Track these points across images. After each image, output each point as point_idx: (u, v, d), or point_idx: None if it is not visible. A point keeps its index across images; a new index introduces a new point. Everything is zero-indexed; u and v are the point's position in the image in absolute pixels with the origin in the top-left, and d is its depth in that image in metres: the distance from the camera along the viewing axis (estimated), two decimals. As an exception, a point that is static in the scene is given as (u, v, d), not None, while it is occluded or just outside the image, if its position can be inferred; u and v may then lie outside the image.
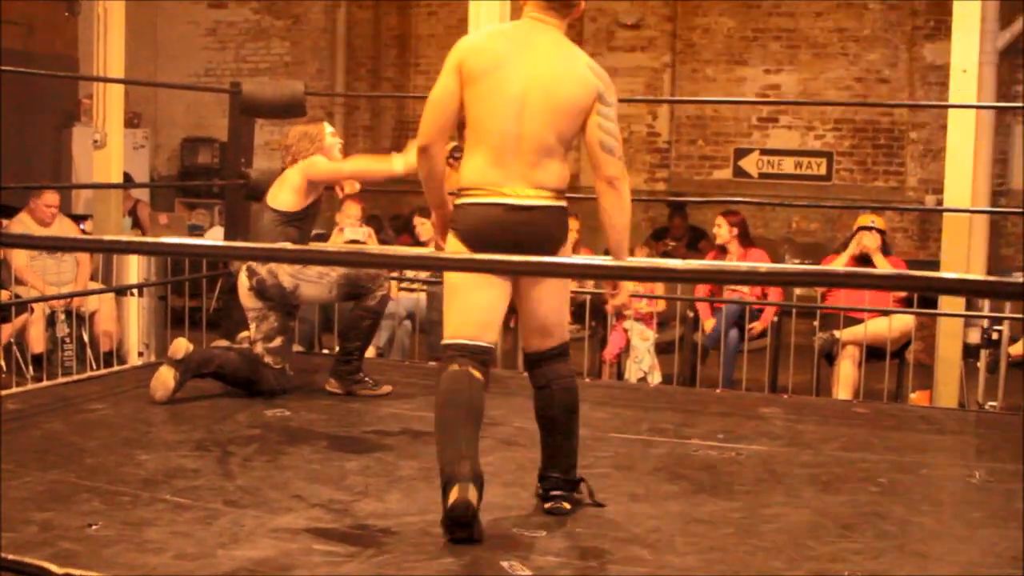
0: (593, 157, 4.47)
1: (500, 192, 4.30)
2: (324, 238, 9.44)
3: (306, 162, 6.21)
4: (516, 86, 4.28)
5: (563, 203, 4.43)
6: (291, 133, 6.44)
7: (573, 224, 8.96)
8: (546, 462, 4.57)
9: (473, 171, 4.36)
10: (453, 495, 4.00)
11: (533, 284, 4.41)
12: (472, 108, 4.34)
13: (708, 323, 8.55)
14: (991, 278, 2.24)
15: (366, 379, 6.38)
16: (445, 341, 4.36)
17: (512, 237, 4.26)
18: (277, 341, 6.23)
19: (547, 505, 4.47)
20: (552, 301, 4.48)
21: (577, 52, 4.44)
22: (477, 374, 4.29)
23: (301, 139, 6.34)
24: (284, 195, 6.25)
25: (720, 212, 9.01)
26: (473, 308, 4.35)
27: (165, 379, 5.98)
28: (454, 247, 4.38)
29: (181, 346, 6.04)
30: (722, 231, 8.72)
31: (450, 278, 4.43)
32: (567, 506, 4.45)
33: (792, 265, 9.50)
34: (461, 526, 4.03)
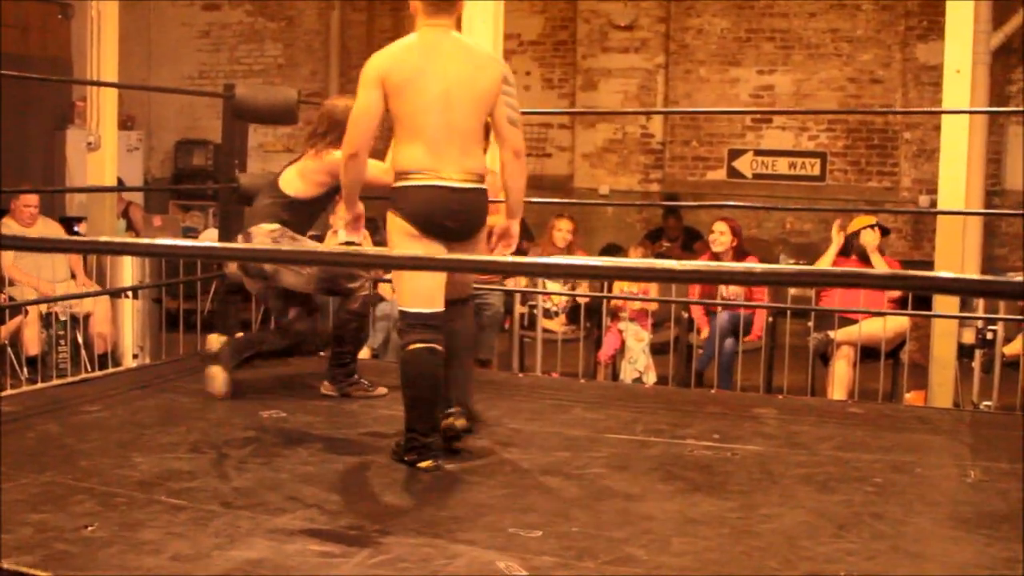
0: (501, 131, 5.16)
1: (440, 176, 4.93)
2: (319, 239, 9.43)
3: (331, 157, 6.09)
4: (440, 85, 4.91)
5: (485, 187, 5.12)
6: (323, 110, 6.23)
7: (567, 225, 8.98)
8: (444, 393, 5.14)
9: (412, 159, 4.94)
10: (427, 464, 4.86)
11: (464, 253, 5.01)
12: (402, 110, 4.93)
13: (704, 332, 8.56)
14: (989, 277, 2.25)
15: (361, 381, 6.37)
16: (402, 309, 5.00)
17: (452, 216, 4.97)
18: (291, 313, 6.24)
19: (444, 423, 5.08)
20: (471, 277, 5.39)
21: (474, 42, 5.24)
22: (437, 347, 4.98)
23: (326, 119, 6.12)
24: (294, 179, 6.18)
25: (720, 217, 8.97)
26: (423, 281, 4.97)
27: (216, 375, 6.09)
28: (398, 226, 4.98)
29: (215, 341, 6.20)
30: (724, 238, 8.69)
31: (394, 245, 5.01)
32: (458, 425, 5.11)
33: (788, 266, 9.52)
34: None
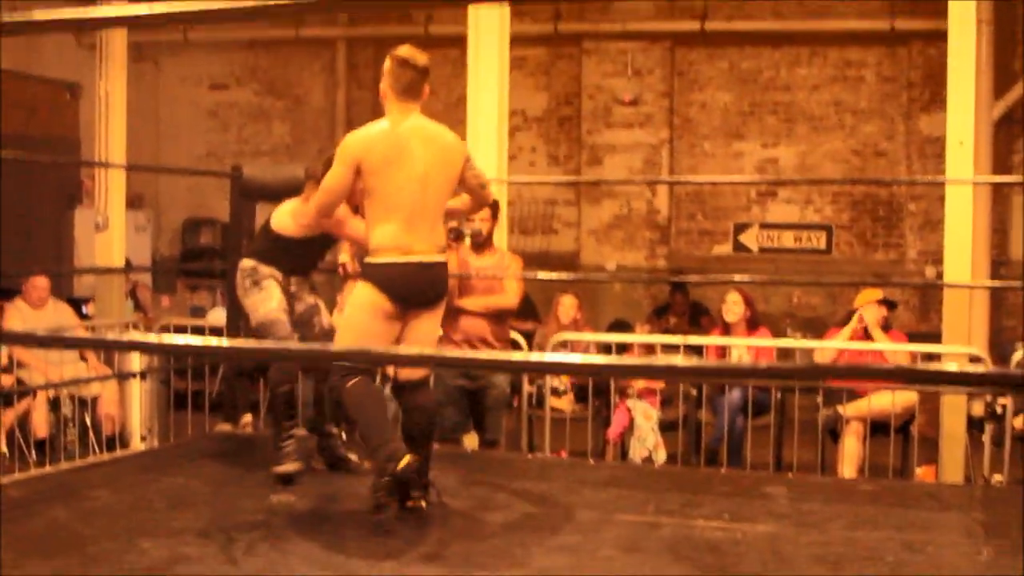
0: (475, 195, 5.76)
1: (412, 251, 5.36)
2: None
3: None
4: (418, 167, 5.32)
5: (445, 260, 5.57)
6: (327, 156, 6.35)
7: (571, 301, 8.98)
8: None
9: (387, 236, 5.35)
10: (404, 461, 5.13)
11: (417, 326, 5.49)
12: (380, 188, 5.32)
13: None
14: (991, 370, 2.25)
15: (348, 455, 6.40)
16: (344, 363, 5.40)
17: (420, 288, 5.43)
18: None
19: (409, 503, 5.41)
20: (434, 338, 5.70)
21: (439, 125, 5.55)
22: (374, 381, 5.64)
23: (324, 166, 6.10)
24: (285, 216, 6.26)
25: (734, 288, 8.95)
26: (370, 337, 5.34)
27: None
28: (368, 295, 5.38)
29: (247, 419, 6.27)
30: (737, 308, 8.68)
31: (357, 323, 5.42)
32: (424, 504, 5.45)
33: (795, 342, 9.51)
34: (405, 483, 5.25)
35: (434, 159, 5.38)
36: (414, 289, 5.41)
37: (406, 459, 5.14)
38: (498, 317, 7.46)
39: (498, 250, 7.59)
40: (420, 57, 5.52)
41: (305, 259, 6.37)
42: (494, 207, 7.44)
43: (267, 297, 6.19)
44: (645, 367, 2.74)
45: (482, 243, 7.40)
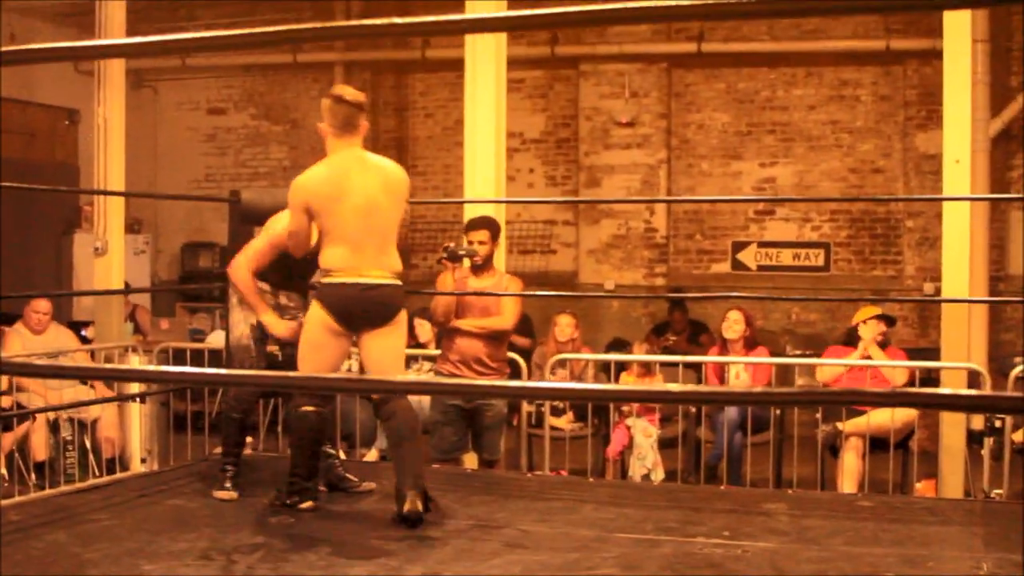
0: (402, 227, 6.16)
1: (359, 273, 5.69)
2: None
3: (278, 226, 6.34)
4: (359, 199, 5.67)
5: (400, 282, 5.88)
6: None
7: (568, 320, 8.99)
8: (400, 477, 5.72)
9: (337, 258, 5.70)
10: (306, 504, 5.79)
11: (370, 343, 5.85)
12: (329, 221, 5.69)
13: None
14: (987, 393, 2.26)
15: (348, 475, 6.43)
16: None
17: (365, 308, 5.74)
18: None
19: (406, 509, 5.59)
20: (393, 354, 5.93)
21: (380, 157, 6.05)
22: (323, 411, 5.98)
23: None
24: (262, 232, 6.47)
25: (735, 306, 8.97)
26: (325, 362, 5.79)
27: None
28: (319, 315, 5.75)
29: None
30: (738, 326, 8.70)
31: (311, 339, 5.80)
32: (420, 507, 5.62)
33: (793, 360, 9.53)
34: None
35: (377, 188, 5.75)
36: (356, 309, 5.75)
37: (309, 503, 5.85)
38: (495, 338, 7.45)
39: (497, 272, 7.60)
40: (354, 93, 5.92)
41: (292, 272, 6.44)
42: (494, 229, 7.46)
43: (243, 319, 6.46)
44: (641, 392, 2.75)
45: (481, 265, 7.41)
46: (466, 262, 7.32)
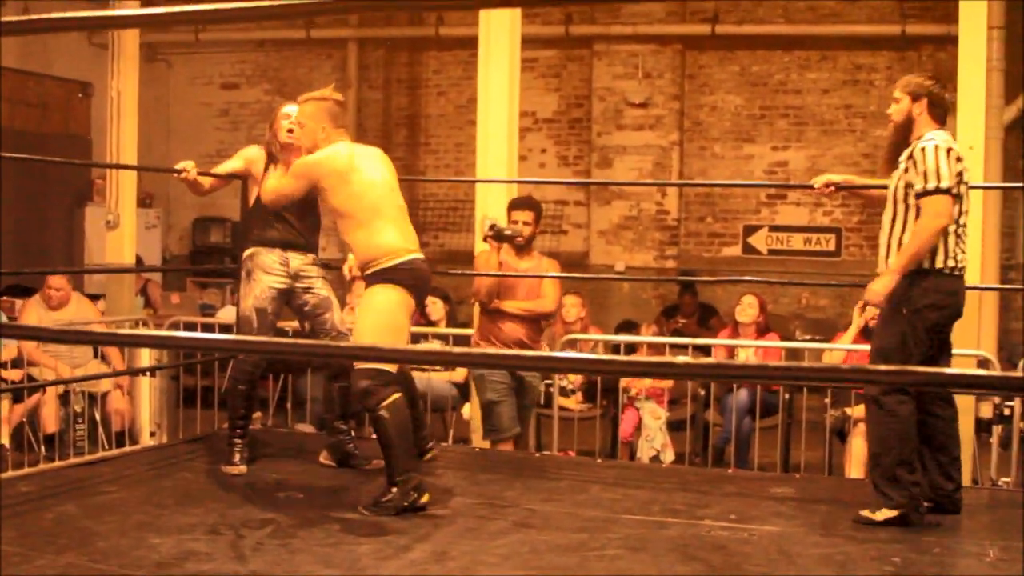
0: None
1: (417, 250, 5.86)
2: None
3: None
4: (384, 181, 5.86)
5: None
6: None
7: (575, 301, 8.98)
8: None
9: (391, 238, 5.74)
10: (425, 498, 5.53)
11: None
12: (358, 199, 5.75)
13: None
14: (994, 373, 2.26)
15: (357, 452, 6.44)
16: (377, 368, 5.57)
17: (428, 282, 5.96)
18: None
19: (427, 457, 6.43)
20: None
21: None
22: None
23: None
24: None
25: (750, 291, 8.95)
26: (403, 338, 5.75)
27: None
28: (398, 297, 5.67)
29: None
30: (751, 311, 8.69)
31: (393, 323, 5.68)
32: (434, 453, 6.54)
33: (803, 344, 9.51)
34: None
35: (388, 171, 5.98)
36: (427, 285, 5.95)
37: (426, 496, 5.55)
38: (535, 321, 7.44)
39: (536, 254, 7.57)
40: (337, 94, 6.11)
41: (294, 228, 6.48)
42: (537, 210, 7.43)
43: (250, 292, 6.40)
44: (653, 364, 2.75)
45: (523, 246, 7.36)
46: (509, 241, 7.31)
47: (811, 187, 6.35)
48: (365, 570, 4.63)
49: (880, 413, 5.49)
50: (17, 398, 8.41)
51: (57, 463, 6.84)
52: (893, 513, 5.38)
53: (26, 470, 6.65)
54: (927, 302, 5.41)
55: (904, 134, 5.63)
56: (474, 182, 8.38)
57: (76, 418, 8.50)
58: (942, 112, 5.65)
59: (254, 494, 5.81)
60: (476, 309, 7.64)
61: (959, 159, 5.47)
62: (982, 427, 7.54)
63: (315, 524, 5.26)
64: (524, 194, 7.83)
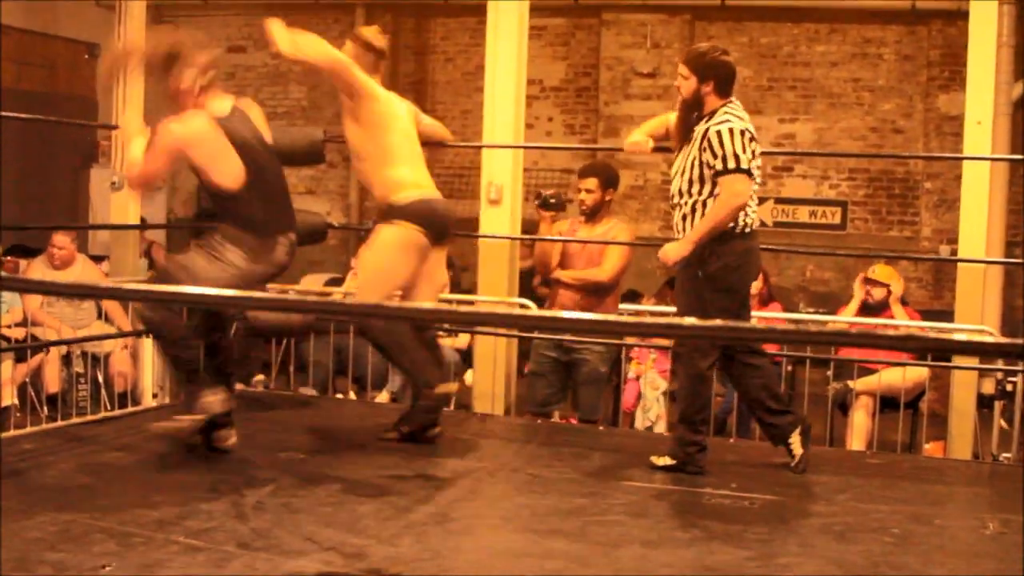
0: (434, 128, 6.59)
1: (433, 189, 5.97)
2: (339, 282, 9.47)
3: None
4: (406, 122, 6.02)
5: None
6: None
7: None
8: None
9: (407, 175, 5.85)
10: (442, 388, 5.90)
11: (434, 261, 6.04)
12: (386, 138, 5.86)
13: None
14: (1001, 339, 2.26)
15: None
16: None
17: (447, 220, 6.00)
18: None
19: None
20: (440, 276, 6.21)
21: None
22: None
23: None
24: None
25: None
26: (404, 276, 5.85)
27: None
28: (407, 234, 5.74)
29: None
30: (756, 283, 8.69)
31: (400, 259, 5.78)
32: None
33: (807, 316, 9.51)
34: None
35: (409, 114, 6.17)
36: (445, 222, 5.97)
37: (443, 385, 5.96)
38: (593, 291, 7.28)
39: (609, 220, 7.45)
40: (381, 41, 6.22)
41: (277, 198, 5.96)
42: (603, 176, 7.36)
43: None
44: (662, 325, 2.75)
45: (592, 213, 7.31)
46: (552, 207, 7.33)
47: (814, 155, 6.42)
48: (365, 529, 4.63)
49: (680, 368, 5.89)
50: (20, 358, 8.42)
51: (60, 423, 6.85)
52: (671, 462, 5.72)
53: (29, 429, 6.66)
54: (720, 264, 5.59)
55: (694, 109, 5.78)
56: (479, 147, 8.36)
57: (79, 379, 8.51)
58: (728, 85, 5.83)
59: (255, 455, 5.81)
60: (481, 275, 7.63)
61: (753, 139, 5.76)
62: (984, 403, 7.54)
63: (316, 484, 5.27)
64: (593, 161, 7.84)
